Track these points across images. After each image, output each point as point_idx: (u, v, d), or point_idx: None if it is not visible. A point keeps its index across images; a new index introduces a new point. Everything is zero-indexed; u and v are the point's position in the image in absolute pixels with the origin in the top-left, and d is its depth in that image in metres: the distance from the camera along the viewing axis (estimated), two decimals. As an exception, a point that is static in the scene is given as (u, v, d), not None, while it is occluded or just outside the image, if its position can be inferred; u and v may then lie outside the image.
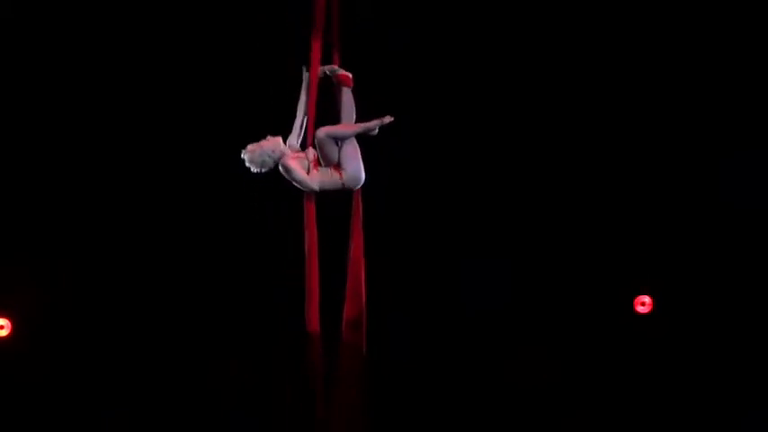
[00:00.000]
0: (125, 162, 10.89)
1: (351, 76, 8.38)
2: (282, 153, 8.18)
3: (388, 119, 8.32)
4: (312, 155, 8.27)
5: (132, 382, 10.84)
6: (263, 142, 8.20)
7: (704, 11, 10.90)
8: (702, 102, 11.06)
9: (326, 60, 8.36)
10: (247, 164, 8.20)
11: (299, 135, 8.36)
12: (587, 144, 11.16)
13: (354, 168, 8.28)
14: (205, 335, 10.88)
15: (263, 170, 8.22)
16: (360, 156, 8.32)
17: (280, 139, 8.25)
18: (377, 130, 8.38)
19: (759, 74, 10.96)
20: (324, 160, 8.28)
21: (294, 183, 8.21)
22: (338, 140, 8.27)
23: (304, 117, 8.30)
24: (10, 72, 10.64)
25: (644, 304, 11.19)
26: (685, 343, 11.12)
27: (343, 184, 8.27)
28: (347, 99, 8.38)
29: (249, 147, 8.19)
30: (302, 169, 8.20)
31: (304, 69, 8.28)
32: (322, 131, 8.21)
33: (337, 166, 8.27)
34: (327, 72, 8.34)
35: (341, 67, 8.38)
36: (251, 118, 10.37)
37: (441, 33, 10.95)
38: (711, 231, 11.14)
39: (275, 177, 8.33)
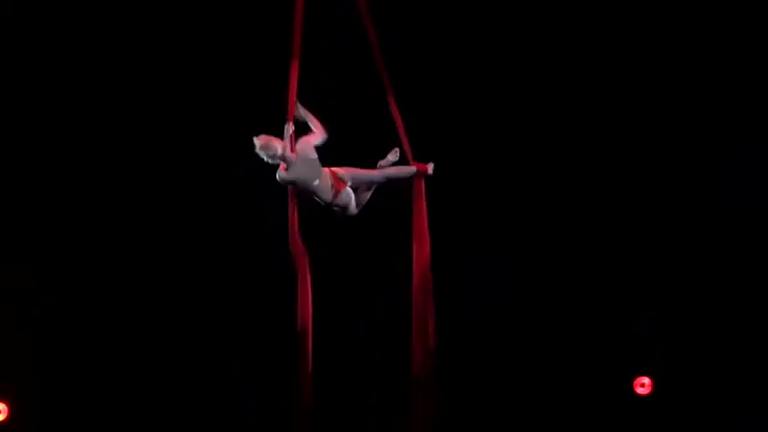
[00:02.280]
0: (124, 166, 10.91)
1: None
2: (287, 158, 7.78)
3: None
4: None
5: (132, 383, 10.86)
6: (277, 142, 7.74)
7: (704, 11, 10.92)
8: (702, 102, 11.09)
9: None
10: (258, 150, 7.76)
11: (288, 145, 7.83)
12: (585, 143, 11.20)
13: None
14: (205, 335, 10.89)
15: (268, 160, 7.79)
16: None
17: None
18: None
19: (759, 74, 10.98)
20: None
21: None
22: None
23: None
24: (10, 72, 10.64)
25: (643, 386, 11.18)
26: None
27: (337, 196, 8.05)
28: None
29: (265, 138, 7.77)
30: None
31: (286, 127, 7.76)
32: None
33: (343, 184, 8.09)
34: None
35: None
36: (247, 119, 10.37)
37: (441, 33, 10.97)
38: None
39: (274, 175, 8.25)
